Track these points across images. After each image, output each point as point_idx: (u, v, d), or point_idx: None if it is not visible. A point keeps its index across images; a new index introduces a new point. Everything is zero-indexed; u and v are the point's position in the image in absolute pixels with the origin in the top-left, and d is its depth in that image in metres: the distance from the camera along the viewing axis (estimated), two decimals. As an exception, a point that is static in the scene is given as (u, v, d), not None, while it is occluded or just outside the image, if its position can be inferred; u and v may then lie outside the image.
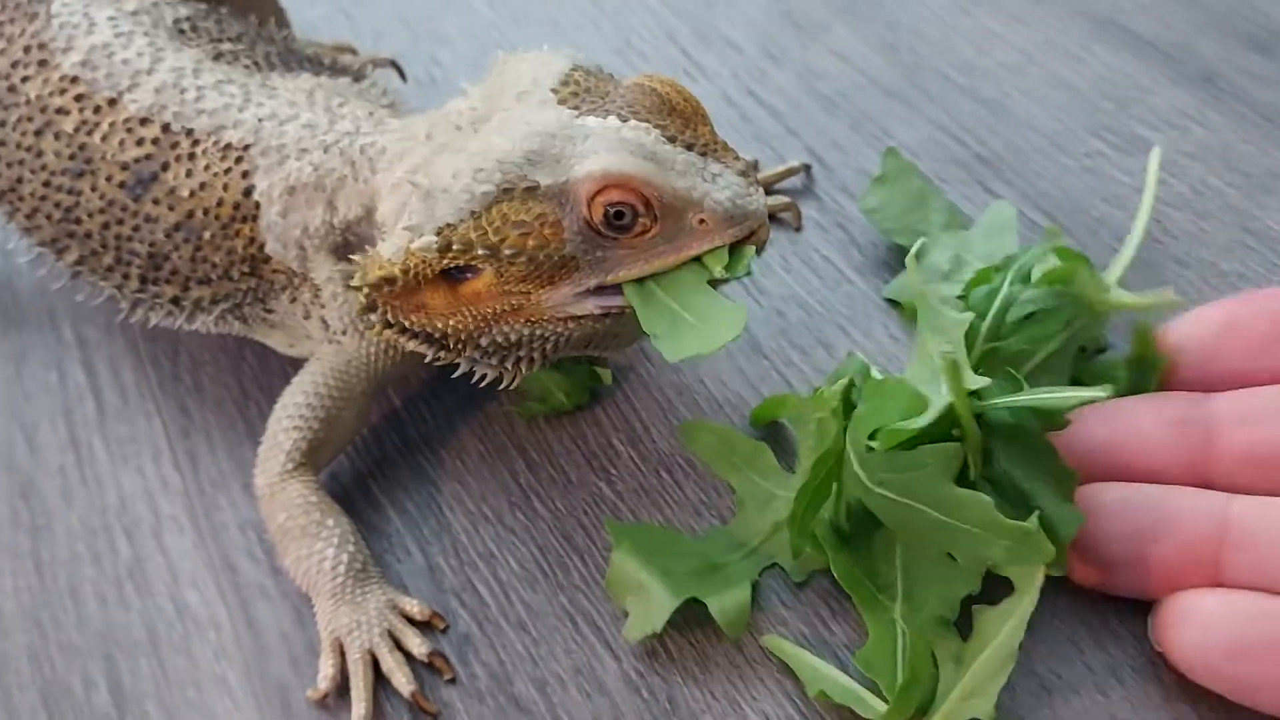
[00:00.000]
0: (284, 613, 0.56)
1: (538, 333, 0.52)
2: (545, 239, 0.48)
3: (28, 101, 0.59)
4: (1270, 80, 0.70)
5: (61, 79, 0.58)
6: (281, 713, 0.53)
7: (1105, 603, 0.51)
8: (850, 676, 0.50)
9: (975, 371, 0.49)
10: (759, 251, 0.50)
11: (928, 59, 0.75)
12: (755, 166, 0.70)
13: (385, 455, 0.61)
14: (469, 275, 0.50)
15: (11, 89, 0.60)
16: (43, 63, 0.59)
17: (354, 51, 0.76)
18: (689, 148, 0.49)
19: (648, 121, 0.49)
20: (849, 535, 0.52)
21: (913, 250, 0.52)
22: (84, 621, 0.57)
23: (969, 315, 0.50)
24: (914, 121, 0.71)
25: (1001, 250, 0.61)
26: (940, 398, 0.48)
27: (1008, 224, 0.62)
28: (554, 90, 0.51)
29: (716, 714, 0.51)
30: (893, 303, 0.63)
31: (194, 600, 0.57)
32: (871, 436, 0.49)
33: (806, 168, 0.69)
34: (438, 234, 0.49)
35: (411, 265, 0.50)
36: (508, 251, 0.49)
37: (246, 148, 0.56)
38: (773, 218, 0.68)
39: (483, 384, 0.55)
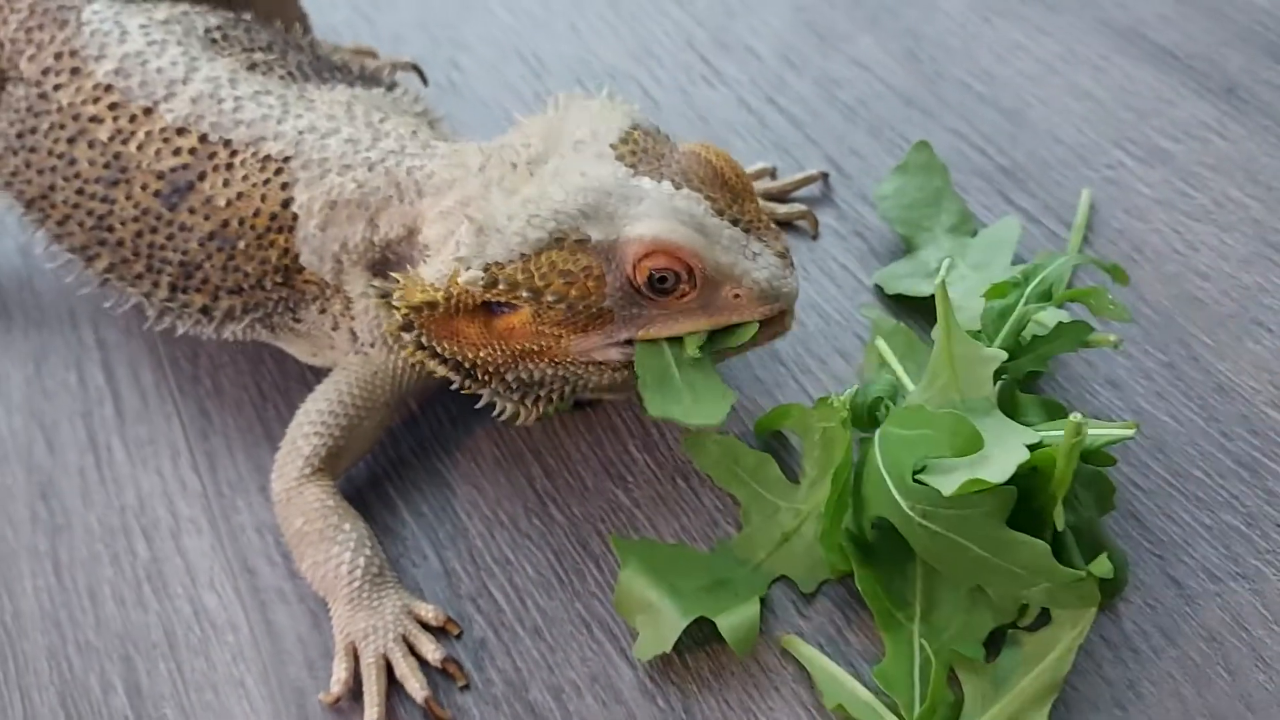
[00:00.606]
0: (301, 616, 0.56)
1: (560, 374, 0.53)
2: (587, 290, 0.50)
3: (60, 109, 0.59)
4: (1293, 92, 0.70)
5: (95, 87, 0.59)
6: (298, 716, 0.53)
7: (1123, 617, 0.51)
8: (866, 688, 0.50)
9: None
10: (780, 335, 0.53)
11: (949, 68, 0.75)
12: (774, 173, 0.70)
13: (401, 458, 0.61)
14: (506, 310, 0.51)
15: (43, 96, 0.60)
16: (75, 70, 0.59)
17: (374, 55, 0.77)
18: (735, 223, 0.51)
19: (700, 191, 0.51)
20: (870, 549, 0.52)
21: (940, 273, 0.52)
22: (102, 623, 0.58)
23: (1000, 353, 0.50)
24: (934, 131, 0.71)
25: (996, 262, 0.61)
26: (1018, 448, 0.46)
27: (1009, 239, 0.62)
28: (613, 146, 0.52)
29: (732, 724, 0.51)
30: (879, 289, 0.63)
31: (212, 603, 0.58)
32: (919, 468, 0.48)
33: (824, 175, 0.69)
34: (485, 270, 0.50)
35: (454, 294, 0.51)
36: (550, 297, 0.50)
37: (287, 160, 0.56)
38: (790, 225, 0.68)
39: (501, 418, 0.56)
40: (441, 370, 0.54)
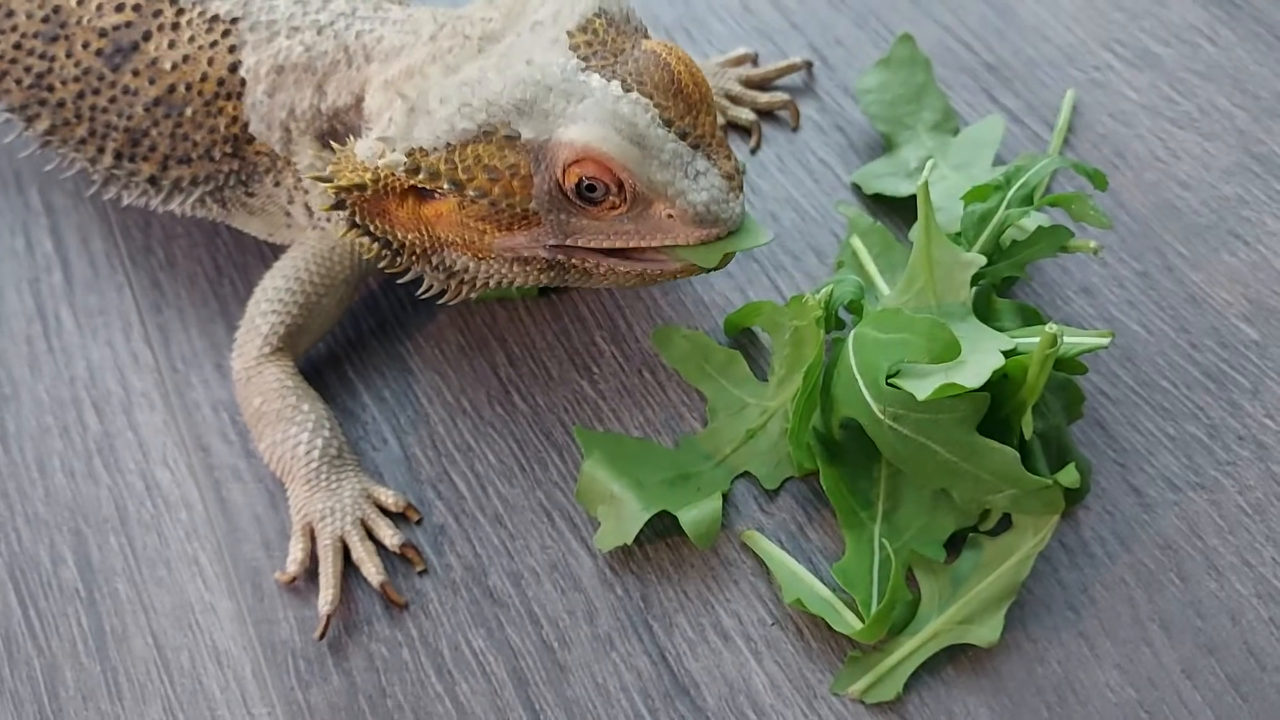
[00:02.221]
0: (257, 495, 0.56)
1: (484, 268, 0.51)
2: (512, 189, 0.48)
3: None
4: (1288, -1, 0.68)
5: None
6: (253, 595, 0.53)
7: (1081, 523, 0.51)
8: (825, 585, 0.50)
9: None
10: (721, 266, 0.49)
11: (939, -43, 0.72)
12: (755, 60, 0.67)
13: (362, 339, 0.60)
14: (436, 196, 0.49)
15: None
16: None
17: None
18: (683, 136, 0.48)
19: (650, 98, 0.48)
20: (837, 448, 0.51)
21: (924, 174, 0.51)
22: (51, 495, 0.57)
23: (980, 259, 0.48)
24: (922, 22, 0.69)
25: (978, 162, 0.60)
26: (992, 354, 0.46)
27: (992, 139, 0.61)
28: (569, 33, 0.49)
29: (690, 614, 0.51)
30: (856, 188, 0.62)
31: (165, 479, 0.57)
32: (893, 371, 0.47)
33: (808, 64, 0.67)
34: (408, 155, 0.48)
35: (382, 175, 0.49)
36: (472, 192, 0.48)
37: (234, 21, 0.53)
38: (770, 115, 0.66)
39: (426, 295, 0.54)
40: (372, 249, 0.52)
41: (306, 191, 0.56)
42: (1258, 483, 0.52)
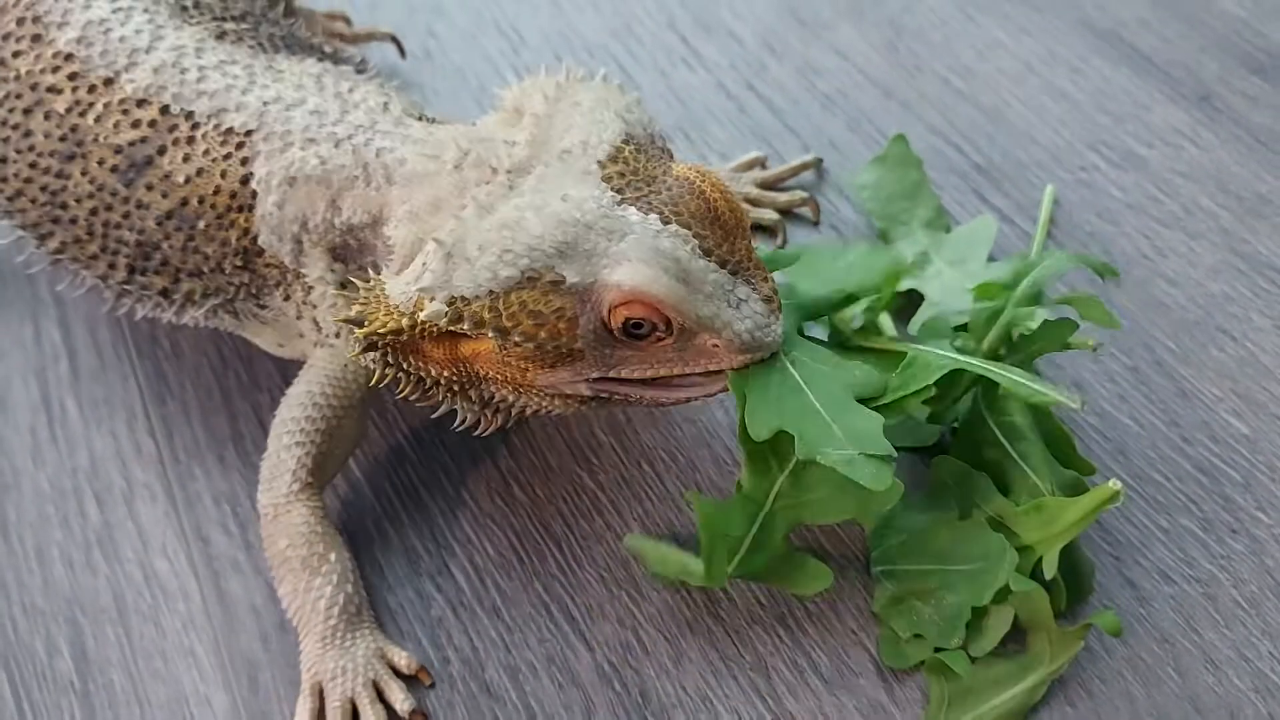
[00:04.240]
0: (256, 587, 0.56)
1: (523, 400, 0.51)
2: (558, 332, 0.47)
3: (17, 77, 0.56)
4: (1266, 103, 0.70)
5: (55, 55, 0.55)
6: (248, 688, 0.53)
7: (1079, 616, 0.51)
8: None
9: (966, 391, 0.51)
10: None
11: (929, 62, 0.75)
12: (764, 164, 0.69)
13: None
14: (472, 335, 0.48)
15: (0, 62, 0.57)
16: (36, 38, 0.56)
17: (348, 21, 0.75)
18: (723, 264, 0.48)
19: (689, 228, 0.47)
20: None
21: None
22: (50, 585, 0.57)
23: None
24: (912, 125, 0.71)
25: (972, 259, 0.61)
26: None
27: (985, 238, 0.62)
28: (601, 164, 0.49)
29: (688, 710, 0.51)
30: None
31: (164, 570, 0.57)
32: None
33: (819, 161, 0.69)
34: (449, 304, 0.47)
35: (419, 321, 0.48)
36: (517, 337, 0.47)
37: (249, 133, 0.53)
38: (790, 213, 0.67)
39: (459, 428, 0.53)
40: (404, 385, 0.51)
41: (315, 306, 0.55)
42: (1252, 576, 0.52)
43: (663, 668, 0.52)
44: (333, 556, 0.53)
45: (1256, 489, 0.55)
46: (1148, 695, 0.50)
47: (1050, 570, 0.49)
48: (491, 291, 0.46)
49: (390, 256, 0.51)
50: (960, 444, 0.54)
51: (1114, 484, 0.47)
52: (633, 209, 0.47)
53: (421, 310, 0.47)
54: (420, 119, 0.55)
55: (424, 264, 0.48)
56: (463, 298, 0.47)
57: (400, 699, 0.51)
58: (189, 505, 0.59)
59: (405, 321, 0.48)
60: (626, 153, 0.49)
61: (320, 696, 0.52)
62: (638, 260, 0.46)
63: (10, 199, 0.57)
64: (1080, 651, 0.50)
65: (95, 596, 0.56)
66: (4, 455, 0.61)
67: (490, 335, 0.47)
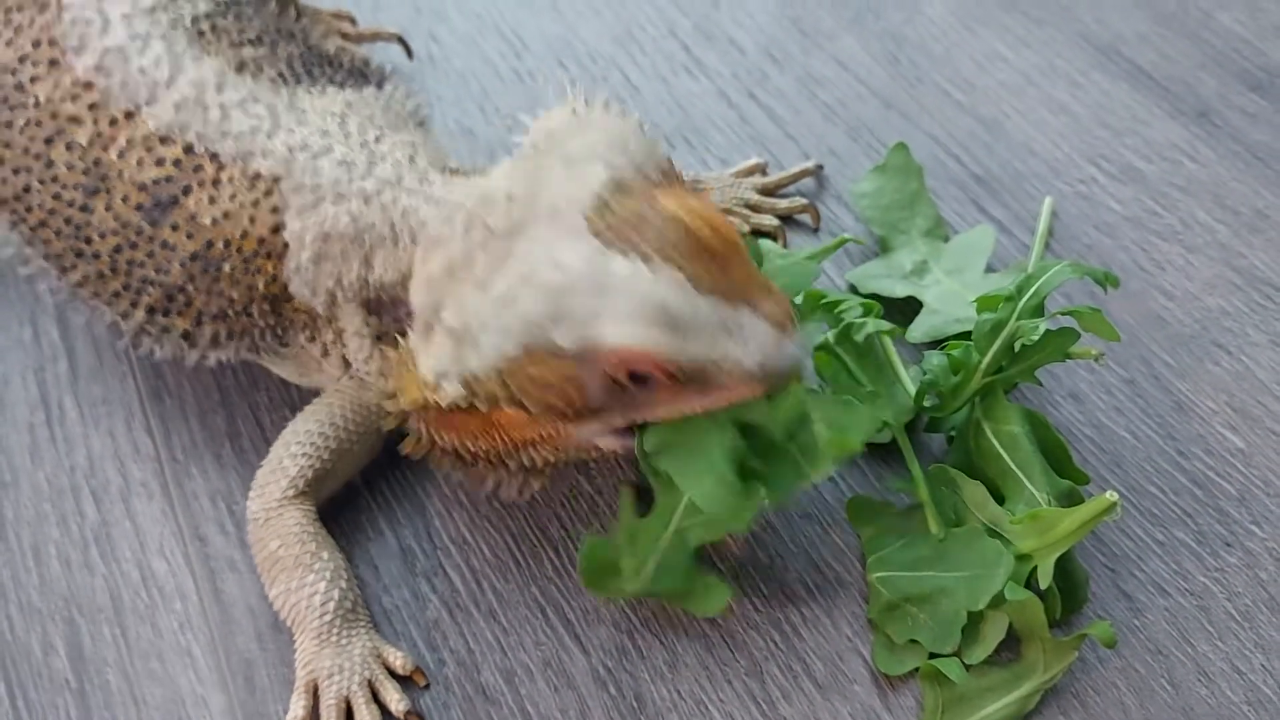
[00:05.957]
0: (253, 587, 0.56)
1: (564, 458, 0.51)
2: (569, 396, 0.47)
3: (37, 104, 0.55)
4: (1265, 120, 0.71)
5: (74, 83, 0.54)
6: (245, 688, 0.53)
7: (1073, 627, 0.52)
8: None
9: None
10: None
11: (929, 73, 0.75)
12: (765, 170, 0.70)
13: (363, 434, 0.61)
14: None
15: (19, 87, 0.55)
16: (53, 62, 0.55)
17: (353, 21, 0.75)
18: (721, 294, 0.46)
19: (680, 268, 0.46)
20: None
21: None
22: (46, 583, 0.57)
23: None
24: (912, 135, 0.71)
25: (970, 269, 0.61)
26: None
27: (984, 247, 0.63)
28: (587, 218, 0.47)
29: (683, 713, 0.51)
30: (852, 288, 0.64)
31: (161, 569, 0.57)
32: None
33: (819, 168, 0.69)
34: (464, 384, 0.47)
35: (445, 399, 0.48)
36: (532, 405, 0.47)
37: (277, 180, 0.52)
38: (790, 220, 0.68)
39: (503, 496, 0.54)
40: (446, 462, 0.52)
41: (345, 346, 0.55)
42: (1245, 590, 0.53)
43: (658, 671, 0.52)
44: (325, 555, 0.53)
45: (1251, 503, 0.55)
46: (1141, 706, 0.50)
47: (1045, 580, 0.49)
48: (498, 369, 0.47)
49: (412, 325, 0.51)
50: (956, 452, 0.55)
51: (1111, 495, 0.48)
52: (619, 259, 0.46)
53: (440, 395, 0.48)
54: (444, 170, 0.54)
55: (438, 353, 0.48)
56: (475, 376, 0.47)
57: (395, 699, 0.51)
58: (186, 504, 0.59)
59: (435, 398, 0.48)
60: (610, 201, 0.48)
61: (315, 695, 0.52)
62: (624, 317, 0.45)
63: (34, 229, 0.57)
64: (1074, 662, 0.51)
65: (92, 595, 0.56)
66: (2, 453, 0.61)
67: (508, 407, 0.48)
